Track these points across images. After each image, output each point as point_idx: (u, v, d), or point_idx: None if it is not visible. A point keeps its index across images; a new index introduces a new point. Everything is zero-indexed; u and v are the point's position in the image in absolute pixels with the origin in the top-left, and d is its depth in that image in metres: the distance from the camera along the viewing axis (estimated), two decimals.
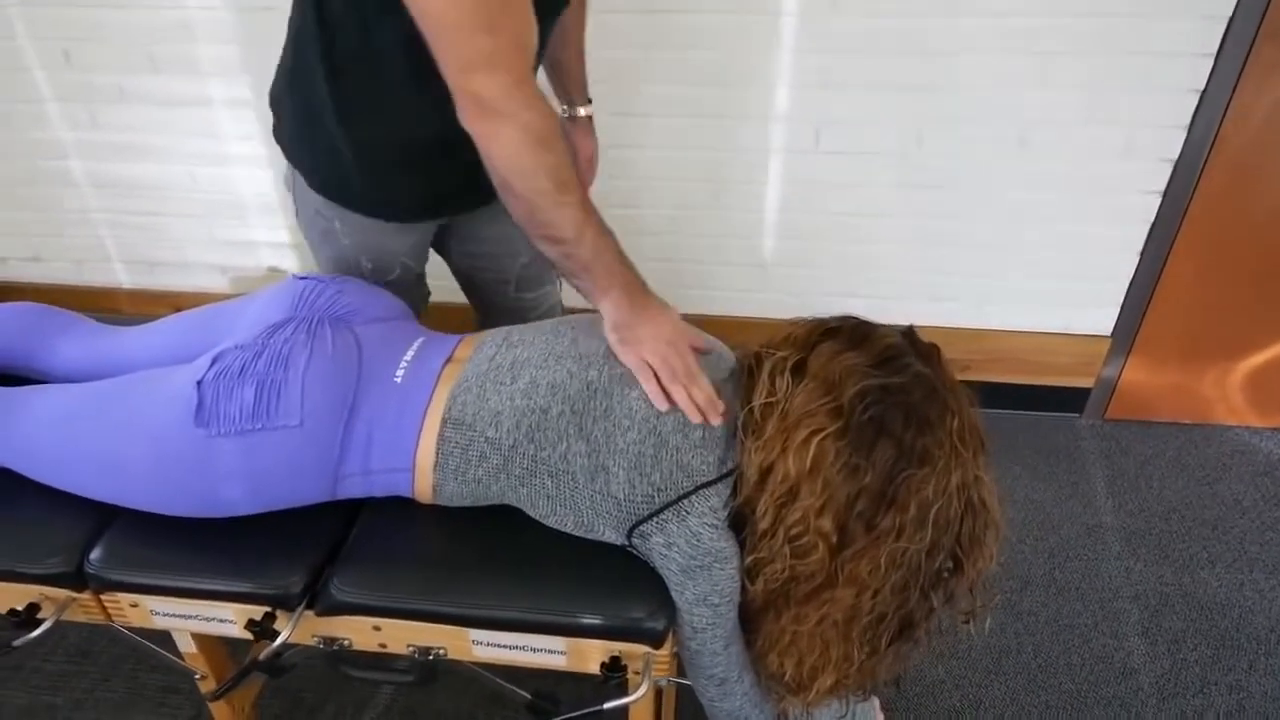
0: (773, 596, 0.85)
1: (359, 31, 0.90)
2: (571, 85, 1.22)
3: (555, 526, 0.89)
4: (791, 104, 1.65)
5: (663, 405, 0.85)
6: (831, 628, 0.83)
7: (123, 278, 2.18)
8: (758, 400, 0.86)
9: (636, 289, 0.91)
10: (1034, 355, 1.93)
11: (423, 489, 0.91)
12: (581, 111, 1.24)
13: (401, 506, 0.92)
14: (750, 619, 0.89)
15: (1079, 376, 1.96)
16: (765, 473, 0.83)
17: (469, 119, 0.81)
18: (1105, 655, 1.45)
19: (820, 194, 1.77)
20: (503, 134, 0.81)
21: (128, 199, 2.01)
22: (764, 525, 0.83)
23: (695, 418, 0.85)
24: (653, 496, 0.83)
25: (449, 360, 0.96)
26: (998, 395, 1.97)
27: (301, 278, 1.02)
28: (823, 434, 0.80)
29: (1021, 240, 1.78)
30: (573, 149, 1.18)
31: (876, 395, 0.80)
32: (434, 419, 0.89)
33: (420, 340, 0.98)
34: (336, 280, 1.02)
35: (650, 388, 0.86)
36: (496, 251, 1.24)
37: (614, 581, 0.87)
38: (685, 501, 0.83)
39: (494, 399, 0.89)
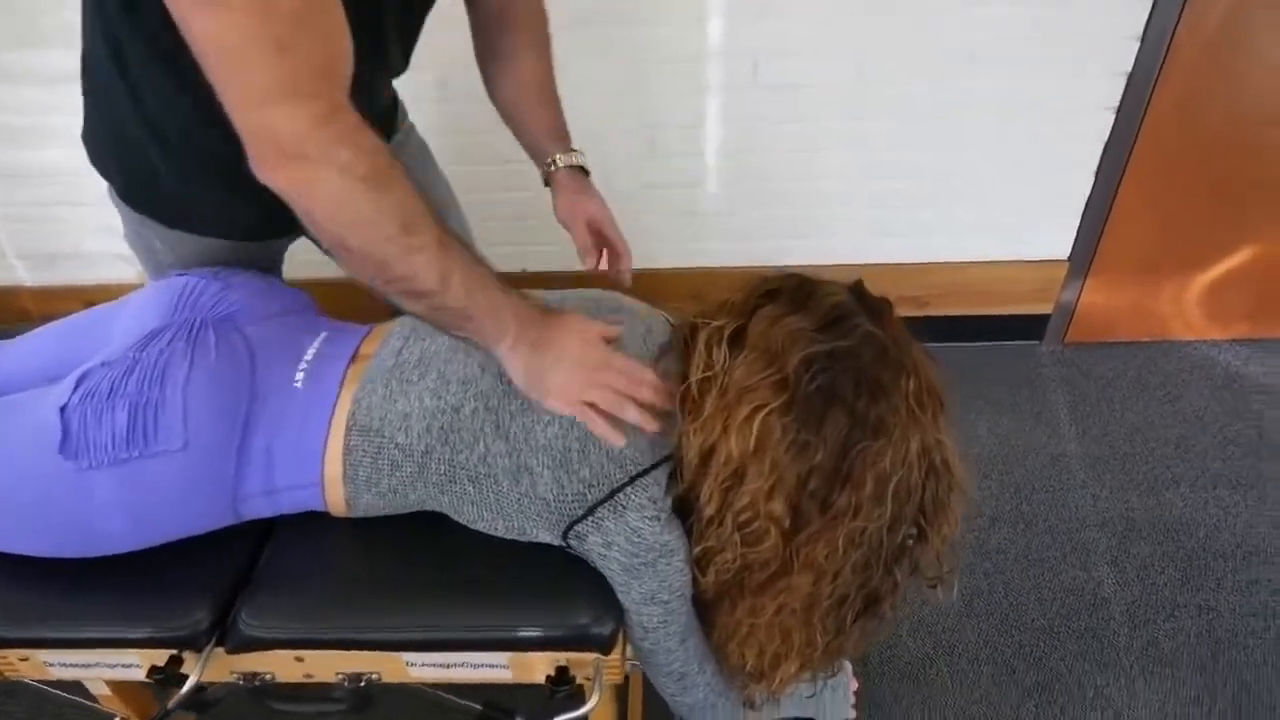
0: (726, 587, 0.79)
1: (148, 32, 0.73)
2: (541, 134, 1.01)
3: (485, 531, 0.81)
4: (726, 37, 1.54)
5: (620, 441, 0.75)
6: (791, 616, 0.77)
7: (23, 275, 2.01)
8: (694, 375, 0.78)
9: (529, 322, 0.75)
10: (991, 285, 1.88)
11: (335, 503, 0.82)
12: (561, 162, 0.99)
13: (316, 521, 0.83)
14: (704, 611, 0.83)
15: (1037, 303, 1.92)
16: (707, 455, 0.75)
17: (267, 168, 0.63)
18: (1075, 587, 1.43)
19: (760, 132, 1.67)
20: (317, 183, 0.64)
21: (15, 189, 1.84)
22: (710, 512, 0.76)
23: (652, 427, 0.76)
24: (584, 494, 0.76)
25: (354, 358, 0.86)
26: (956, 329, 1.93)
27: (183, 274, 0.91)
28: (766, 410, 0.72)
29: (972, 168, 1.71)
30: (584, 212, 0.98)
31: (823, 363, 0.72)
32: (339, 427, 0.80)
33: (323, 336, 0.88)
34: (222, 274, 0.90)
35: (601, 430, 0.75)
36: None
37: (554, 586, 0.79)
38: (620, 495, 0.75)
39: (401, 400, 0.80)
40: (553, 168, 0.99)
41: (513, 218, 1.75)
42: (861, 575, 0.76)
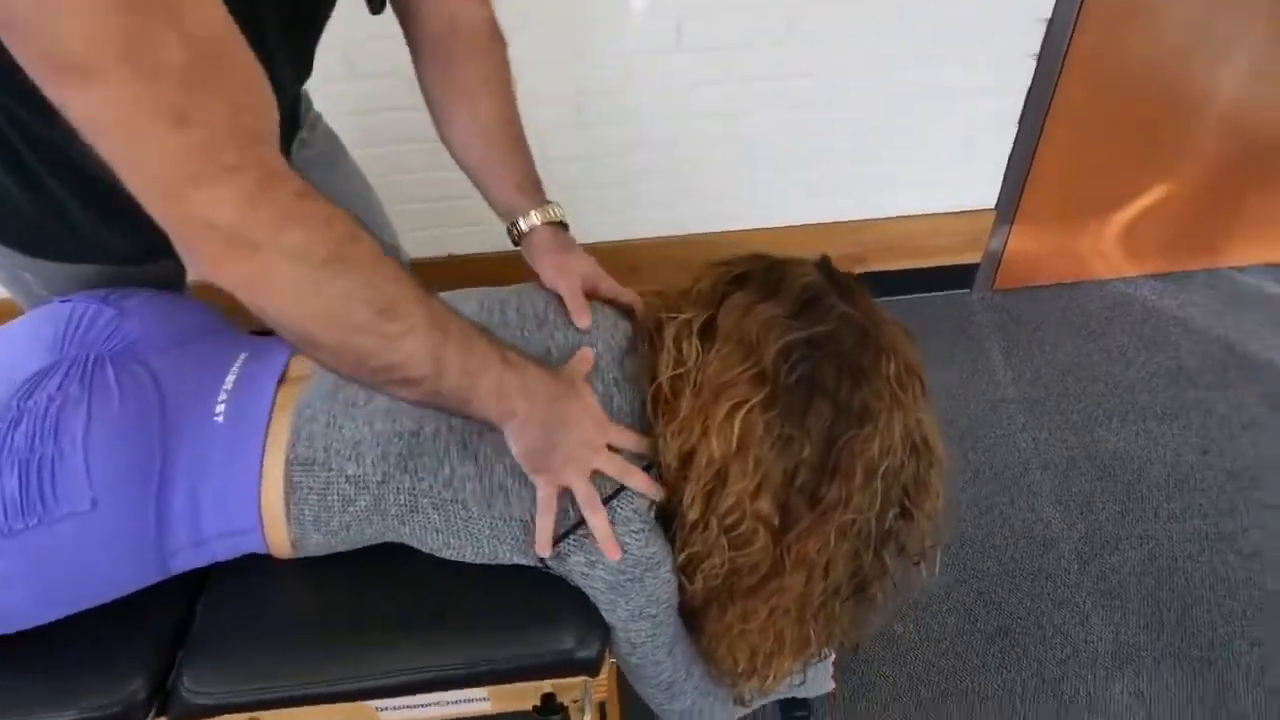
0: (715, 593, 0.75)
1: None
2: (510, 186, 0.84)
3: (451, 559, 0.75)
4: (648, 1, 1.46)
5: (546, 551, 0.71)
6: (784, 616, 0.74)
7: None
8: (664, 373, 0.73)
9: (539, 398, 0.66)
10: (922, 238, 1.89)
11: (278, 546, 0.74)
12: (537, 219, 0.84)
13: (255, 564, 0.75)
14: (692, 617, 0.79)
15: (967, 253, 1.94)
16: (686, 458, 0.71)
17: (207, 265, 0.51)
18: (1026, 530, 1.47)
19: (686, 96, 1.60)
20: (267, 277, 0.52)
21: None
22: (693, 516, 0.72)
23: (659, 494, 0.72)
24: (566, 510, 0.70)
25: (283, 380, 0.77)
26: (890, 284, 1.93)
27: (68, 300, 0.79)
28: (747, 406, 0.68)
29: (900, 124, 1.69)
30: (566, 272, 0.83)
31: (802, 351, 0.68)
32: (275, 462, 0.72)
33: (242, 358, 0.79)
34: (114, 297, 0.79)
35: (543, 525, 0.70)
36: None
37: (532, 609, 0.74)
38: (607, 508, 0.70)
39: (349, 425, 0.72)
40: (528, 227, 0.85)
41: (433, 199, 1.65)
42: (853, 564, 0.73)
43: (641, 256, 1.81)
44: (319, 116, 1.00)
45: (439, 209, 1.67)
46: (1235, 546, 1.42)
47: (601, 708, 0.99)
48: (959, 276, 1.98)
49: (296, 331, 0.55)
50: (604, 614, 0.74)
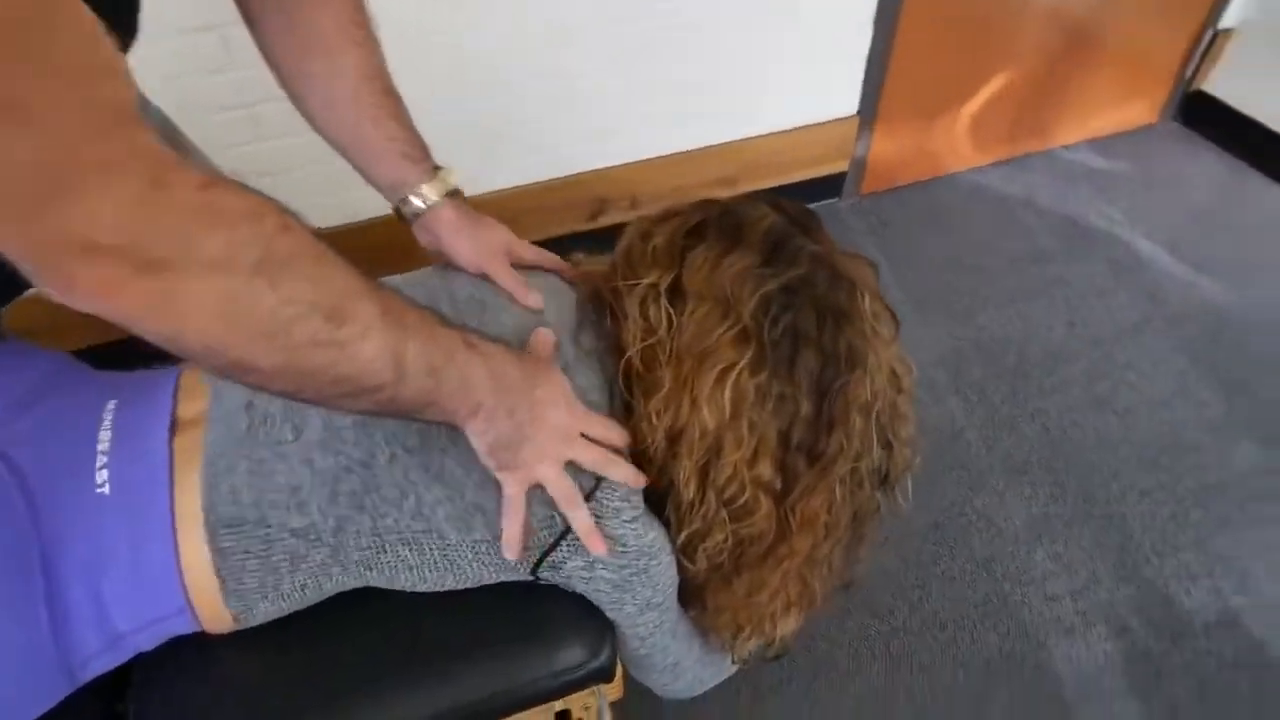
0: (719, 568, 0.71)
1: None
2: (393, 155, 0.72)
3: (429, 591, 0.66)
4: None
5: (515, 555, 0.63)
6: (795, 579, 0.71)
7: None
8: (633, 345, 0.66)
9: (506, 387, 0.58)
10: (792, 152, 1.89)
11: (215, 623, 0.62)
12: (434, 194, 0.73)
13: (189, 643, 0.63)
14: (693, 594, 0.75)
15: (834, 162, 1.96)
16: (676, 436, 0.65)
17: (92, 295, 0.39)
18: (935, 425, 1.54)
19: (537, 32, 1.48)
20: (183, 294, 0.40)
21: None
22: (689, 495, 0.66)
23: (641, 481, 0.65)
24: (551, 515, 0.63)
25: (175, 428, 0.63)
26: None
27: None
28: (736, 370, 0.63)
29: (759, 41, 1.65)
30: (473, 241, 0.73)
31: (781, 300, 0.63)
32: (192, 529, 0.59)
33: (111, 407, 0.64)
34: None
35: (512, 529, 0.62)
36: None
37: (525, 627, 0.67)
38: (592, 505, 0.63)
39: (281, 469, 0.60)
40: (425, 205, 0.73)
41: (271, 173, 1.44)
42: (853, 509, 0.72)
43: (513, 206, 1.69)
44: (144, 96, 0.81)
45: (285, 183, 1.46)
46: (1111, 407, 1.56)
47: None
48: (829, 186, 2.00)
49: (224, 359, 0.44)
50: (609, 614, 0.69)
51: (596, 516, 0.63)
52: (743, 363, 0.62)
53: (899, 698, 1.19)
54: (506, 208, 1.66)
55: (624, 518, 0.64)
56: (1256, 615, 1.25)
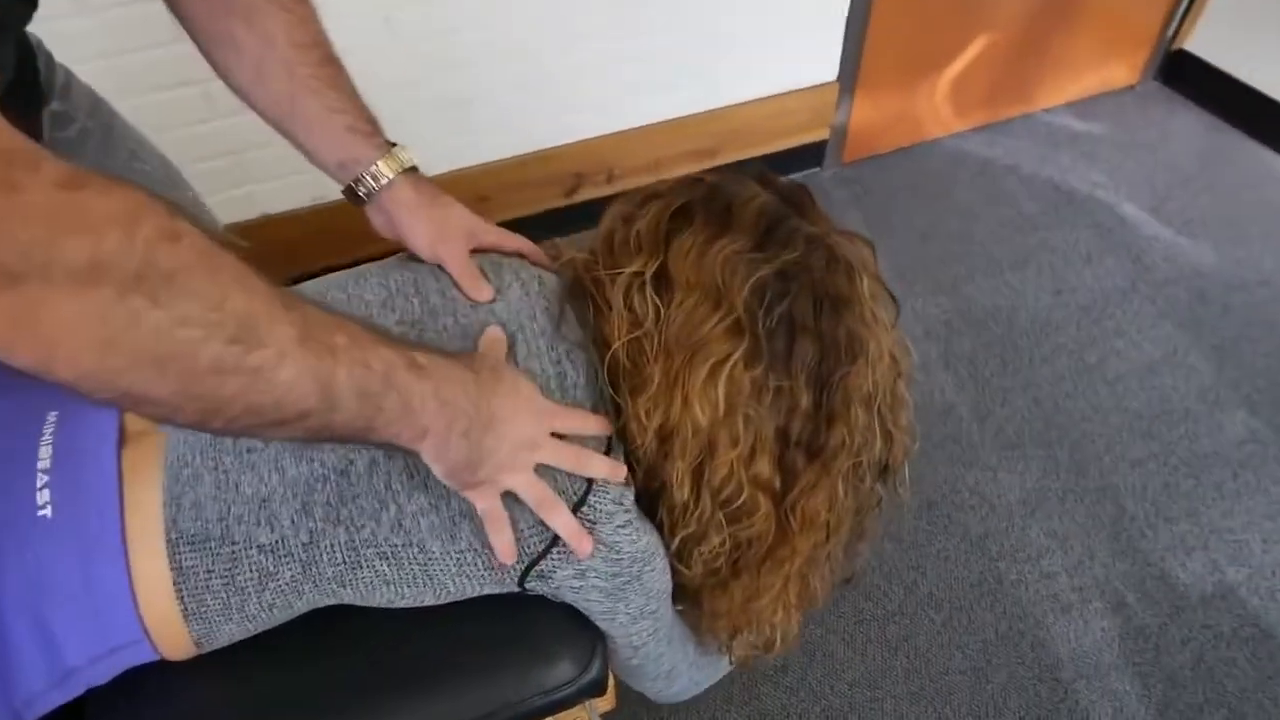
0: (716, 573, 0.66)
1: None
2: (337, 130, 0.64)
3: (406, 607, 0.61)
4: None
5: (511, 558, 0.57)
6: (796, 581, 0.67)
7: None
8: (618, 338, 0.61)
9: (460, 408, 0.51)
10: (771, 120, 1.83)
11: (176, 649, 0.57)
12: (388, 171, 0.65)
13: (149, 671, 0.58)
14: (688, 599, 0.71)
15: (814, 130, 1.90)
16: (666, 436, 0.60)
17: None
18: (926, 401, 1.51)
19: (510, 9, 1.40)
20: (43, 312, 0.34)
21: None
22: (683, 497, 0.62)
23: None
24: (537, 524, 0.58)
25: (124, 438, 0.57)
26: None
27: None
28: (730, 364, 0.58)
29: (735, 6, 1.58)
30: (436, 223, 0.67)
31: (776, 287, 0.59)
32: (146, 550, 0.54)
33: (51, 420, 0.58)
34: None
35: (502, 541, 0.57)
36: None
37: (510, 641, 0.63)
38: (584, 510, 0.58)
39: (249, 478, 0.55)
40: (380, 183, 0.65)
41: (225, 153, 1.36)
42: (855, 504, 0.67)
43: (486, 184, 1.62)
44: (71, 76, 0.73)
45: (235, 164, 1.38)
46: (1101, 376, 1.54)
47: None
48: (810, 156, 1.95)
49: (112, 390, 0.38)
50: (601, 624, 0.64)
51: (589, 522, 0.59)
52: (736, 355, 0.58)
53: (897, 682, 1.16)
54: (479, 185, 1.59)
55: (617, 522, 0.60)
56: (1253, 586, 1.24)
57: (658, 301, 0.60)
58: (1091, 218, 1.86)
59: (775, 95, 1.78)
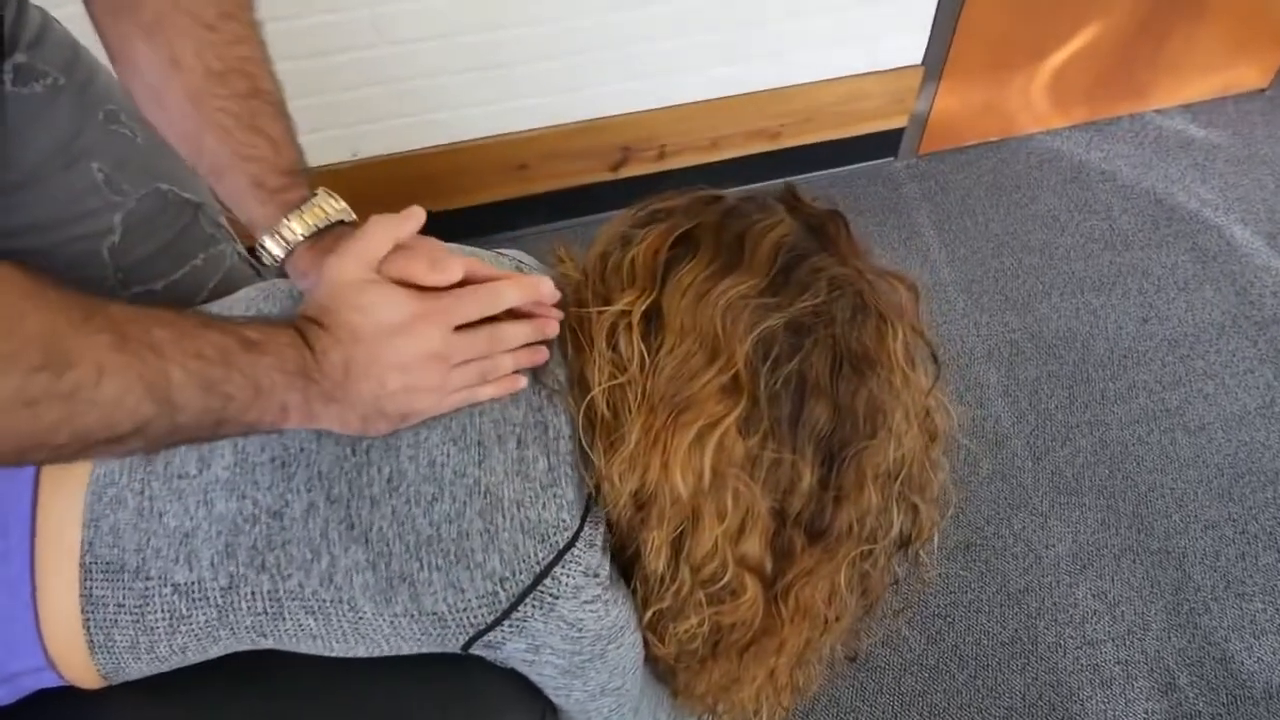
0: (693, 654, 0.58)
1: None
2: (241, 185, 0.53)
3: (338, 657, 0.55)
4: None
5: (521, 383, 0.52)
6: (785, 670, 0.59)
7: None
8: (598, 384, 0.52)
9: (305, 373, 0.45)
10: (845, 104, 1.67)
11: (84, 680, 0.53)
12: (286, 236, 0.54)
13: (60, 695, 0.53)
14: (662, 670, 0.63)
15: (891, 117, 1.74)
16: (644, 503, 0.52)
17: None
18: (977, 429, 1.38)
19: None
20: None
21: None
22: (659, 568, 0.53)
23: (541, 356, 0.53)
24: (494, 593, 0.50)
25: None
26: (809, 159, 1.73)
27: None
28: (720, 427, 0.49)
29: None
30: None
31: (787, 341, 0.50)
32: (56, 569, 0.50)
33: None
34: None
35: (487, 391, 0.51)
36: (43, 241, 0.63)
37: (457, 702, 0.56)
38: (547, 583, 0.51)
39: (173, 509, 0.50)
40: (276, 255, 0.54)
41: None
42: (861, 588, 0.58)
43: (526, 152, 1.52)
44: (48, 25, 0.66)
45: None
46: (1181, 422, 1.38)
47: None
48: (884, 144, 1.79)
49: None
50: (554, 698, 0.57)
51: (552, 599, 0.51)
52: (730, 419, 0.49)
53: None
54: (519, 152, 1.51)
55: (584, 598, 0.52)
56: None
57: (643, 347, 0.51)
58: (1193, 240, 1.66)
59: (851, 76, 1.63)
